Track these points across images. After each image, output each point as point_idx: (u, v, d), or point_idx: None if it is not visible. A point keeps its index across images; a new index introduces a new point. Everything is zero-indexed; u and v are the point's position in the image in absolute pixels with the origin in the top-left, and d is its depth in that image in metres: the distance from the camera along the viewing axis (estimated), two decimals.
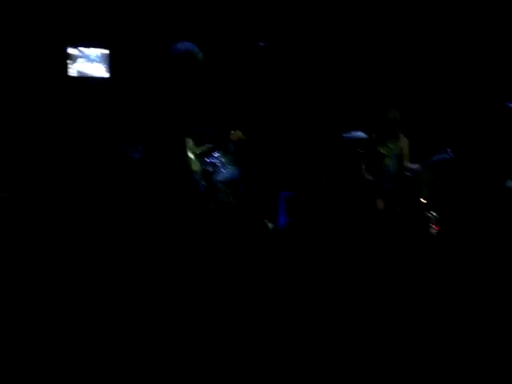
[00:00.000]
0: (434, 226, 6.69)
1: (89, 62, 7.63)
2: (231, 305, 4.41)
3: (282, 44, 7.25)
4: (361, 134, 7.19)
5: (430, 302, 4.64)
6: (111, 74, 7.66)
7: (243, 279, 5.07)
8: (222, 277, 4.91)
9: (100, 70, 7.69)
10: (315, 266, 5.66)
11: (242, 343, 3.73)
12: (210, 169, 6.00)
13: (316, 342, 3.77)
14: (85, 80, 7.59)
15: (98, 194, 6.92)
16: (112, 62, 7.66)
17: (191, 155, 5.33)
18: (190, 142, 5.40)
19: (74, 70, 7.57)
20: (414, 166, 6.45)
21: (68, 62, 7.50)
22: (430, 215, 6.76)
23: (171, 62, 4.22)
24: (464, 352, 3.68)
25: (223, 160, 6.03)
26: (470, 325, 4.12)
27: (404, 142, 6.51)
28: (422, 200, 6.84)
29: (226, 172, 6.09)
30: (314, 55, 7.88)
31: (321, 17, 7.78)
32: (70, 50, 7.53)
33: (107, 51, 7.66)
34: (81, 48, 7.58)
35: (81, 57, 7.60)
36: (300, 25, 7.74)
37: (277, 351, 3.64)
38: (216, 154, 5.98)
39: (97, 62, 7.63)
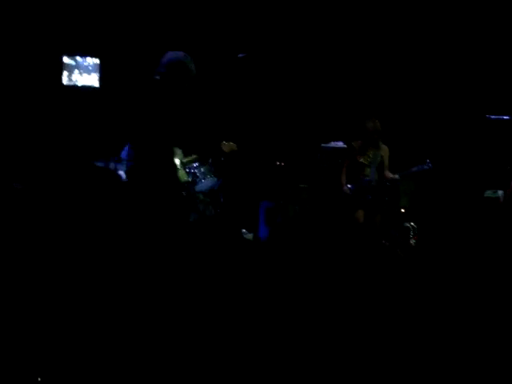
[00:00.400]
0: (412, 236, 6.72)
1: (83, 72, 7.62)
2: (214, 314, 4.37)
3: (262, 54, 7.26)
4: (340, 143, 7.24)
5: (410, 311, 4.64)
6: (101, 84, 7.63)
7: (224, 289, 5.04)
8: (204, 287, 4.87)
9: (93, 80, 7.66)
10: (296, 276, 5.64)
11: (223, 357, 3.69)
12: (190, 179, 5.95)
13: (300, 352, 3.75)
14: (77, 89, 7.57)
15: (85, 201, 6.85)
16: (103, 72, 7.64)
17: (178, 165, 5.30)
18: (178, 152, 5.37)
19: (67, 79, 7.54)
20: (394, 176, 6.46)
21: (63, 71, 7.48)
22: (408, 225, 6.78)
23: (164, 71, 4.21)
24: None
25: (202, 170, 5.99)
26: (451, 333, 4.12)
27: (384, 151, 6.50)
28: (401, 210, 6.88)
29: (205, 182, 6.07)
30: (294, 66, 7.91)
31: (300, 27, 7.81)
32: (65, 60, 7.50)
33: (98, 61, 7.63)
34: (76, 57, 7.56)
35: (75, 66, 7.57)
36: (280, 35, 7.77)
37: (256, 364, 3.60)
38: (195, 164, 5.94)
39: (90, 71, 7.61)
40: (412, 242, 6.86)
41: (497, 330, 4.18)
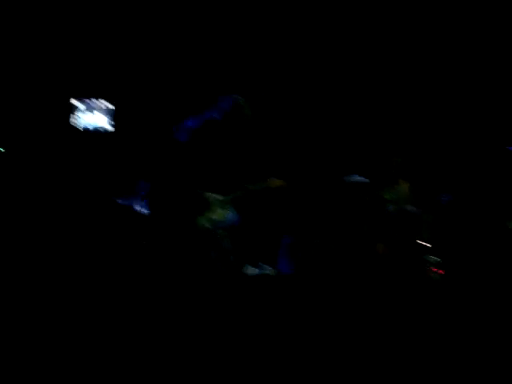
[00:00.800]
0: (435, 270, 6.68)
1: (92, 114, 7.76)
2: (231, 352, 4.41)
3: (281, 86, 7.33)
4: (361, 178, 7.28)
5: (431, 343, 4.63)
6: (115, 127, 7.75)
7: (245, 325, 5.08)
8: (223, 323, 4.92)
9: (103, 122, 7.79)
10: (319, 310, 5.66)
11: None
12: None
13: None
14: (88, 132, 7.70)
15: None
16: (116, 116, 7.76)
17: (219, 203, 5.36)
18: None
19: (77, 121, 7.69)
20: (415, 209, 6.51)
21: (72, 113, 7.62)
22: (430, 259, 6.76)
23: (226, 114, 4.44)
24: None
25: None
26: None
27: (405, 186, 6.59)
28: (422, 243, 6.85)
29: (226, 217, 6.12)
30: (314, 98, 7.96)
31: (319, 59, 7.87)
32: (74, 102, 7.65)
33: (111, 105, 7.76)
34: (85, 100, 7.71)
35: (85, 109, 7.73)
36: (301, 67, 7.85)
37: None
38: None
39: (101, 114, 7.75)
40: (434, 274, 6.81)
41: None
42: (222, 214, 5.54)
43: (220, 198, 5.45)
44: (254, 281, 6.55)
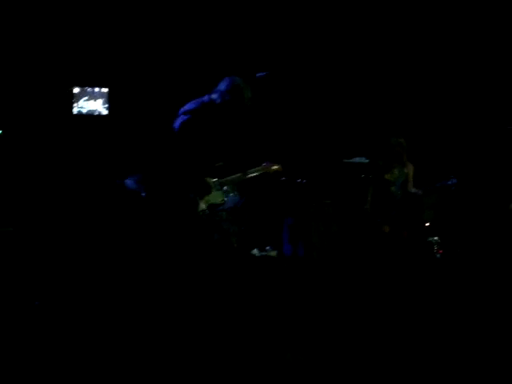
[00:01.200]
0: (437, 250, 6.69)
1: (92, 100, 7.68)
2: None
3: (283, 70, 7.28)
4: (363, 159, 7.25)
5: (433, 325, 4.63)
6: (110, 112, 7.66)
7: (249, 308, 5.06)
8: (226, 305, 4.90)
9: (102, 108, 7.70)
10: (322, 292, 5.65)
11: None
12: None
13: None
14: (88, 118, 7.62)
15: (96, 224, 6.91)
16: (112, 100, 7.67)
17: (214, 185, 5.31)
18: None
19: (77, 108, 7.60)
20: (418, 191, 6.51)
21: (73, 100, 7.53)
22: (432, 240, 6.75)
23: (228, 97, 4.43)
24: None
25: (226, 188, 5.99)
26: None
27: (409, 168, 6.58)
28: (425, 224, 6.86)
29: (229, 200, 6.07)
30: (318, 82, 7.91)
31: (323, 44, 7.82)
32: (75, 89, 7.56)
33: (106, 89, 7.67)
34: (85, 87, 7.62)
35: (85, 95, 7.63)
36: (302, 51, 7.79)
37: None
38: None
39: (100, 99, 7.66)
40: (437, 255, 6.83)
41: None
42: (221, 197, 5.49)
43: (218, 181, 5.40)
44: (258, 262, 6.54)
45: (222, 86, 4.54)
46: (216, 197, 5.34)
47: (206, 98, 4.60)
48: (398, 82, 7.91)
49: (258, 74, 6.00)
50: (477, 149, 7.56)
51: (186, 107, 4.66)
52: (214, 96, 4.55)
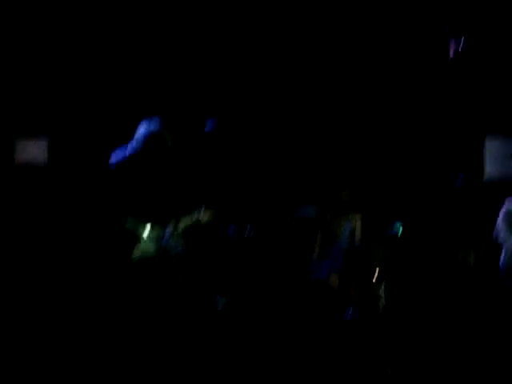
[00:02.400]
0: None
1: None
2: None
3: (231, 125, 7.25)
4: (310, 210, 7.21)
5: None
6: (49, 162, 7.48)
7: None
8: None
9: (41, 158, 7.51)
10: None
11: None
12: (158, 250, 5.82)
13: None
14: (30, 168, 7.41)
15: None
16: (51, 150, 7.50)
17: (146, 239, 5.14)
18: (147, 226, 5.23)
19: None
20: (364, 244, 6.52)
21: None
22: (380, 292, 6.70)
23: (141, 147, 4.29)
24: None
25: (174, 237, 5.87)
26: None
27: (357, 218, 6.61)
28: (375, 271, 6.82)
29: (178, 249, 5.92)
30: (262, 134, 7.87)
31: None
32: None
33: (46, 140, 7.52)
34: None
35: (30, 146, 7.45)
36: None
37: None
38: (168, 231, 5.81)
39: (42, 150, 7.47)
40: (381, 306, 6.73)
41: None
42: (152, 249, 5.34)
43: (147, 231, 5.25)
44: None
45: (140, 131, 4.41)
46: (147, 248, 5.17)
47: (130, 146, 4.47)
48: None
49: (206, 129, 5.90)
50: (425, 194, 7.64)
51: (115, 158, 4.53)
52: (134, 144, 4.41)
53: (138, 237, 4.87)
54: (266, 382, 3.77)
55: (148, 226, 5.43)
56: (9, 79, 7.28)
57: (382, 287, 6.70)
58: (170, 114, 5.50)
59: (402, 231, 6.34)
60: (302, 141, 7.84)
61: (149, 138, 4.39)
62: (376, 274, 7.01)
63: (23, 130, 7.45)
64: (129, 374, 3.23)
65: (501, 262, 5.53)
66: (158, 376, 3.23)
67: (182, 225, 5.50)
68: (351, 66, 7.74)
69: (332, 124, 7.78)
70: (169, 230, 5.62)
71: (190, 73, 7.50)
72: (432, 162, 7.50)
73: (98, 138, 7.08)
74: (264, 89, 7.70)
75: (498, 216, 5.74)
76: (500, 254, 5.67)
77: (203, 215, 5.71)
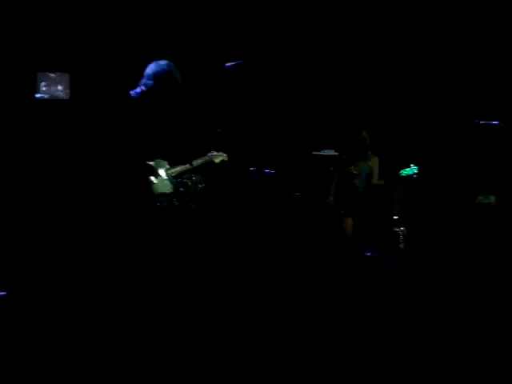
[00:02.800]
0: (402, 241, 6.68)
1: (54, 85, 7.47)
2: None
3: (251, 62, 7.20)
4: (332, 151, 7.25)
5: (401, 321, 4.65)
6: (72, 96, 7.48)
7: None
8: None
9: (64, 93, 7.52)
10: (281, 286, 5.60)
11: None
12: (182, 189, 5.92)
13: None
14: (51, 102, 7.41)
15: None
16: (73, 84, 7.49)
17: (165, 176, 5.21)
18: (162, 164, 5.30)
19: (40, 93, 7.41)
20: (379, 182, 6.57)
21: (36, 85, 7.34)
22: (398, 230, 6.77)
23: (151, 83, 4.25)
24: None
25: (194, 179, 5.95)
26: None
27: (373, 162, 6.63)
28: (393, 217, 6.87)
29: (197, 191, 6.01)
30: (285, 72, 7.84)
31: (292, 33, 7.75)
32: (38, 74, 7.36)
33: (67, 74, 7.50)
34: (46, 72, 7.41)
35: (46, 80, 7.43)
36: (270, 41, 7.72)
37: None
38: (186, 174, 5.89)
39: (61, 84, 7.47)
40: (401, 245, 6.83)
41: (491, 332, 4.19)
42: (169, 187, 5.42)
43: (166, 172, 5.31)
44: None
45: (148, 72, 4.36)
46: (164, 187, 5.26)
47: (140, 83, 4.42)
48: (364, 76, 7.91)
49: (226, 65, 5.85)
50: (442, 139, 7.61)
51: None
52: (144, 82, 4.36)
53: (155, 175, 4.92)
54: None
55: (166, 164, 5.51)
56: (33, 15, 7.18)
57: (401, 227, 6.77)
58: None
59: (422, 174, 6.31)
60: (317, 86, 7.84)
61: (160, 75, 4.36)
62: (395, 212, 7.11)
63: (46, 66, 7.44)
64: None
65: None
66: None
67: (196, 163, 5.59)
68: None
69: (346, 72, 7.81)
70: (185, 168, 5.72)
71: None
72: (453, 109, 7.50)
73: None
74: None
75: None
76: None
77: (217, 156, 5.76)
